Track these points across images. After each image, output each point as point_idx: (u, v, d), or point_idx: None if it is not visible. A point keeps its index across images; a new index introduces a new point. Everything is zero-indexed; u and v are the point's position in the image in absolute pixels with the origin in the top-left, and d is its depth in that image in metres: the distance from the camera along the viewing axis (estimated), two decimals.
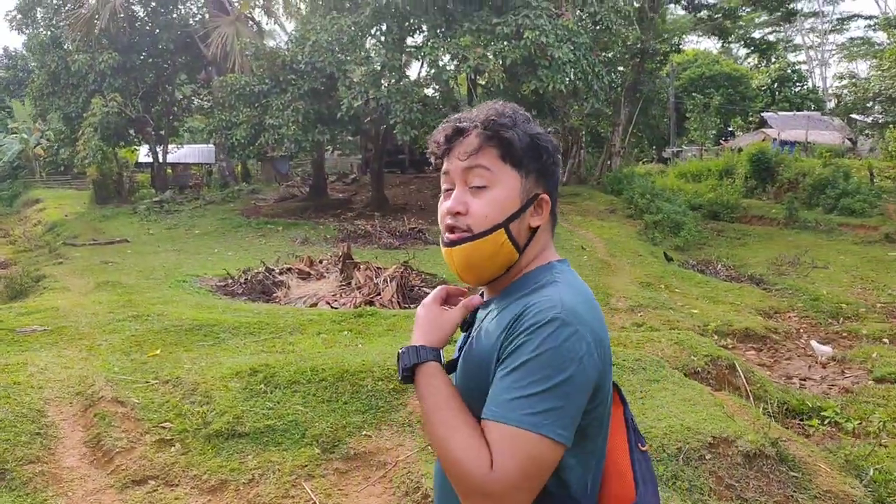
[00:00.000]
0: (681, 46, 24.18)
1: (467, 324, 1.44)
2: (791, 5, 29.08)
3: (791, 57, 49.78)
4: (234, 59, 20.90)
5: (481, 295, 1.44)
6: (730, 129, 42.66)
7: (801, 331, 8.86)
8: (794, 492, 3.81)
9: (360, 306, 8.99)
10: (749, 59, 50.91)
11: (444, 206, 1.38)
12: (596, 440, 1.29)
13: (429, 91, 17.92)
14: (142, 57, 23.41)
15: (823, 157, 27.17)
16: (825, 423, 4.95)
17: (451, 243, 1.35)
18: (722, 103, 34.25)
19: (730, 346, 7.70)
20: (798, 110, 41.71)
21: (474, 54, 15.44)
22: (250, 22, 23.48)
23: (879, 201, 20.45)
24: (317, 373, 4.77)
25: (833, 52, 54.04)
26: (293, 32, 17.96)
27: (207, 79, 24.00)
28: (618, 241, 16.35)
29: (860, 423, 4.91)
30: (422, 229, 15.89)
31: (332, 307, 9.02)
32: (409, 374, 1.30)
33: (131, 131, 24.36)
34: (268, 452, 4.01)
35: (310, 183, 22.72)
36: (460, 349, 1.43)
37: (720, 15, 24.95)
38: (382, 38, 17.08)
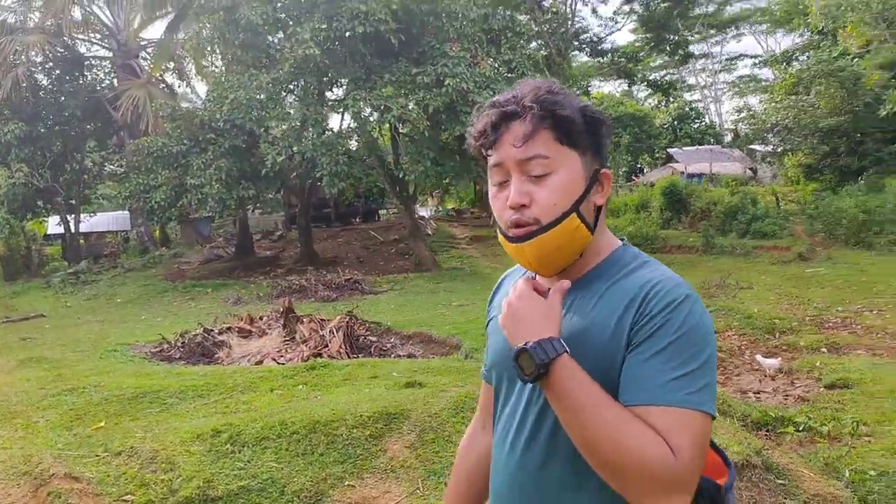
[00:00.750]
0: (588, 89, 25.24)
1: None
2: (688, 49, 30.89)
3: (687, 96, 52.65)
4: (148, 122, 20.43)
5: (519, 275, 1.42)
6: (639, 165, 44.65)
7: (743, 347, 9.14)
8: (785, 498, 3.85)
9: (307, 360, 8.73)
10: (649, 100, 53.61)
11: (500, 199, 1.27)
12: None
13: (352, 143, 17.97)
14: (48, 125, 22.53)
15: (730, 186, 28.73)
16: (800, 429, 5.06)
17: (520, 238, 1.24)
18: (630, 142, 35.76)
19: None
20: (699, 144, 44.09)
21: (397, 104, 15.62)
22: (161, 84, 23.05)
23: (787, 223, 21.63)
24: (286, 427, 4.54)
25: (724, 90, 57.64)
26: (210, 91, 17.70)
27: (120, 143, 23.30)
28: None
29: (832, 426, 5.04)
30: (357, 280, 15.71)
31: (278, 363, 8.70)
32: (544, 371, 1.13)
33: (39, 202, 23.26)
34: None
35: (235, 242, 22.18)
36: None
37: (623, 59, 26.26)
38: (302, 93, 17.03)
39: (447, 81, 15.71)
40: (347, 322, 9.67)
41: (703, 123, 51.42)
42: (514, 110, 1.23)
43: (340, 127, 17.98)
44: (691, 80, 59.20)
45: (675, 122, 48.56)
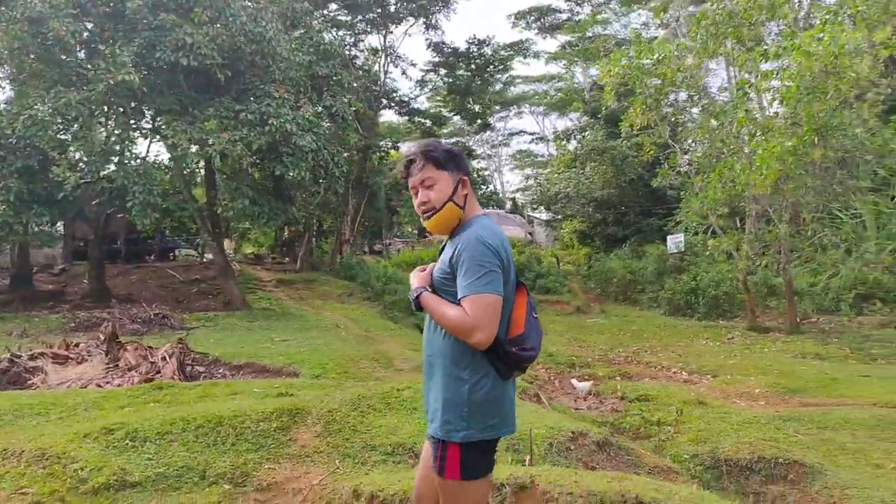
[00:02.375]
0: (398, 146, 26.67)
1: (441, 252, 2.56)
2: (486, 118, 33.74)
3: (474, 163, 56.82)
4: None
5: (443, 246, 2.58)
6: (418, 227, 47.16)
7: (552, 378, 10.35)
8: (636, 468, 4.72)
9: (140, 384, 8.38)
10: None
11: (416, 202, 2.52)
12: (508, 302, 2.39)
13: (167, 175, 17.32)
14: None
15: (516, 246, 31.63)
16: (627, 428, 6.07)
17: (428, 217, 2.49)
18: None
19: None
20: (485, 208, 47.80)
21: (220, 139, 15.47)
22: None
23: (567, 280, 24.29)
24: (188, 422, 4.61)
25: (506, 162, 63.17)
26: (3, 105, 16.14)
27: None
28: (365, 319, 17.13)
29: (646, 425, 6.11)
30: (166, 315, 14.97)
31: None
32: (416, 301, 2.44)
33: None
34: (170, 497, 3.83)
35: (11, 273, 19.88)
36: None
37: (428, 120, 28.08)
38: (115, 118, 16.15)
39: (271, 121, 15.88)
40: (181, 349, 9.41)
41: (489, 189, 55.91)
42: (414, 156, 2.53)
43: (154, 157, 17.20)
44: (478, 150, 64.21)
45: None
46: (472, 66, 25.81)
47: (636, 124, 15.16)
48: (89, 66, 15.73)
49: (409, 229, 51.94)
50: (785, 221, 12.52)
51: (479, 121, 33.06)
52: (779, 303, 16.21)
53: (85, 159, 16.05)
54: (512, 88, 45.41)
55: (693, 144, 15.66)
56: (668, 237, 20.11)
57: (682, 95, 16.07)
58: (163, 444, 4.34)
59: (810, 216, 13.47)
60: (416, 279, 2.52)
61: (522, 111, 53.98)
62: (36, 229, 17.02)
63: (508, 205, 56.39)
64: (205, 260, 25.80)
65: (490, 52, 25.53)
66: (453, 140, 35.51)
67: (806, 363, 10.10)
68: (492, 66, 26.54)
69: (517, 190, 62.57)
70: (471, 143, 53.04)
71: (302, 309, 18.67)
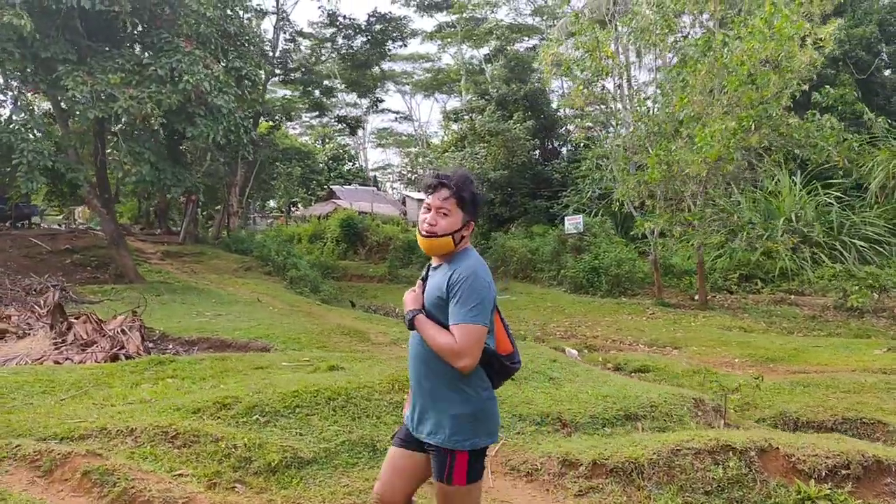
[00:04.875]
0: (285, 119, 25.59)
1: (423, 278, 2.69)
2: (376, 94, 33.22)
3: (340, 140, 55.76)
4: None
5: (430, 264, 2.72)
6: (294, 199, 45.78)
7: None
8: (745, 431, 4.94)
9: (105, 361, 7.55)
10: (303, 138, 55.43)
11: (423, 216, 2.61)
12: (491, 327, 2.55)
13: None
14: None
15: (400, 224, 31.59)
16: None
17: (427, 236, 2.58)
18: (303, 174, 36.64)
19: None
20: (348, 184, 47.20)
21: (125, 95, 14.05)
22: None
23: None
24: (315, 395, 4.24)
25: (370, 139, 62.58)
26: None
27: None
28: (279, 294, 16.39)
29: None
30: (63, 287, 13.45)
31: (72, 364, 7.30)
32: (411, 323, 2.55)
33: None
34: (355, 472, 3.54)
35: None
36: (423, 291, 2.66)
37: (318, 91, 27.13)
38: (2, 66, 14.06)
39: (185, 78, 14.66)
40: (141, 323, 8.55)
41: (355, 166, 55.18)
42: (446, 183, 2.58)
43: (41, 112, 15.27)
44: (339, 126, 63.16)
45: (331, 162, 51.19)
46: (372, 39, 25.21)
47: (576, 104, 15.62)
48: None
49: (271, 204, 50.15)
50: (702, 203, 13.54)
51: (371, 95, 32.44)
52: (678, 281, 17.56)
53: None
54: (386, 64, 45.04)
55: (619, 128, 16.36)
56: (566, 218, 20.98)
57: (611, 84, 16.75)
58: (300, 418, 3.95)
59: (703, 201, 14.56)
60: (410, 300, 2.64)
61: (388, 89, 53.71)
62: None
63: (373, 182, 56.13)
64: (71, 229, 23.37)
65: (387, 26, 25.07)
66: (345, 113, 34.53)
67: (741, 336, 11.03)
68: (390, 41, 26.10)
69: (378, 168, 62.39)
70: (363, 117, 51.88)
71: (202, 283, 17.50)
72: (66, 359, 7.61)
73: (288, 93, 28.79)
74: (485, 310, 2.45)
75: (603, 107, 16.42)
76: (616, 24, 16.93)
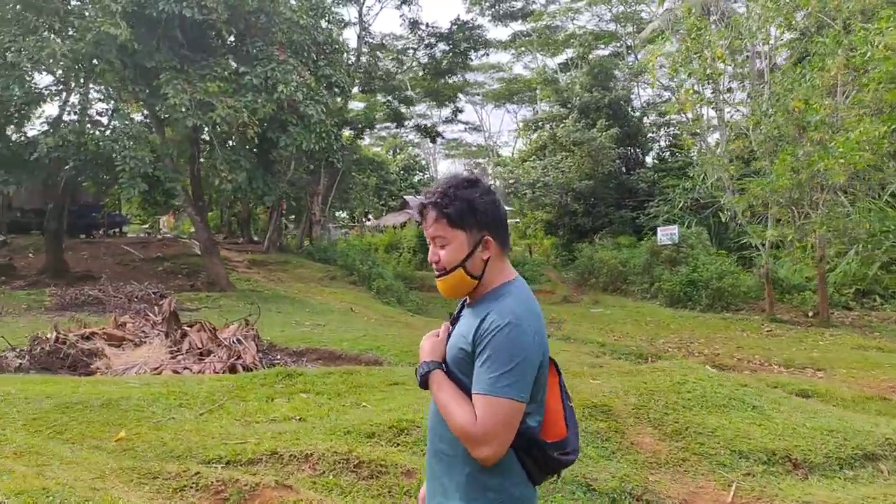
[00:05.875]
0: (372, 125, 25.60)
1: (454, 319, 2.04)
2: (457, 103, 32.96)
3: (410, 150, 55.82)
4: None
5: (463, 303, 2.05)
6: (366, 210, 45.96)
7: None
8: None
9: (224, 372, 7.29)
10: (374, 148, 55.75)
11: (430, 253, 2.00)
12: (539, 396, 1.87)
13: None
14: None
15: None
16: None
17: (438, 276, 1.96)
18: (378, 184, 36.69)
19: None
20: (420, 195, 47.03)
21: (223, 103, 14.05)
22: None
23: (543, 270, 24.04)
24: None
25: (439, 150, 62.40)
26: None
27: None
28: (369, 304, 16.15)
29: None
30: (164, 294, 13.47)
31: (192, 373, 7.07)
32: (424, 380, 1.91)
33: None
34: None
35: None
36: (449, 335, 1.99)
37: (398, 101, 27.02)
38: (103, 74, 14.26)
39: (280, 88, 14.60)
40: (255, 333, 8.31)
41: (425, 177, 55.15)
42: (426, 203, 1.95)
43: (144, 119, 15.47)
44: (410, 137, 63.38)
45: (402, 172, 51.28)
46: (455, 49, 24.92)
47: (686, 108, 14.85)
48: (75, 14, 13.97)
49: (341, 214, 50.43)
50: (825, 212, 12.53)
51: (450, 104, 32.22)
52: (787, 296, 16.47)
53: (66, 118, 14.26)
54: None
55: (718, 133, 15.49)
56: (659, 229, 20.11)
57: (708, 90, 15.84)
58: None
59: (826, 210, 13.55)
60: (427, 349, 1.99)
61: (459, 98, 53.35)
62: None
63: None
64: (160, 236, 23.83)
65: (470, 34, 24.74)
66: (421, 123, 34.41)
67: (886, 357, 10.07)
68: (472, 50, 25.79)
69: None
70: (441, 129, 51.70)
71: (290, 292, 17.41)
72: (185, 368, 7.40)
73: (359, 105, 28.77)
74: (523, 377, 1.76)
75: (704, 111, 15.58)
76: (716, 25, 16.06)
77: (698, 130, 17.30)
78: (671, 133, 27.54)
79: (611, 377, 5.38)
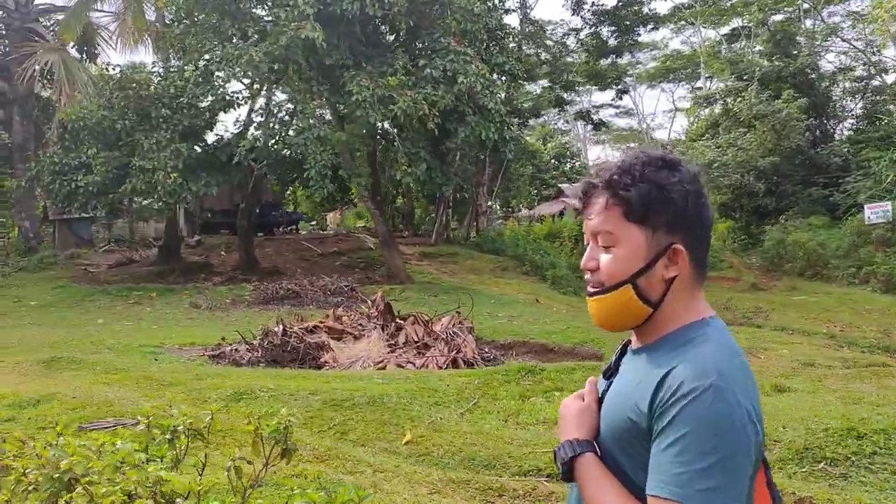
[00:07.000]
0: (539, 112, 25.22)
1: (610, 371, 1.40)
2: (621, 86, 31.89)
3: (561, 138, 54.77)
4: (62, 91, 17.12)
5: (625, 346, 1.41)
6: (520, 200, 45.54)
7: None
8: None
9: (446, 366, 7.10)
10: (527, 136, 55.23)
11: (584, 256, 1.35)
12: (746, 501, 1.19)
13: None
14: None
15: None
16: None
17: (589, 295, 1.33)
18: (533, 173, 36.19)
19: None
20: (573, 182, 45.94)
21: (404, 97, 14.06)
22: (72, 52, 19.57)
23: (722, 255, 22.49)
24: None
25: (589, 136, 60.78)
26: (176, 60, 15.07)
27: (7, 118, 19.37)
28: (549, 295, 15.72)
29: None
30: (354, 287, 13.78)
31: (415, 368, 6.94)
32: (568, 469, 1.29)
33: None
34: None
35: (159, 244, 19.05)
36: (603, 393, 1.37)
37: (559, 86, 26.35)
38: (295, 76, 14.75)
39: (460, 79, 14.40)
40: (471, 325, 8.09)
41: (578, 164, 53.94)
42: (596, 183, 1.30)
43: (331, 117, 15.94)
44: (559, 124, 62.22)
45: (554, 161, 50.43)
46: (620, 25, 23.87)
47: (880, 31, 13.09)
48: (268, 18, 14.55)
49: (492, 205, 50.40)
50: None
51: (613, 86, 31.13)
52: None
53: (256, 120, 14.91)
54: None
55: None
56: (866, 206, 18.09)
57: None
58: (868, 466, 2.89)
59: None
60: (570, 420, 1.35)
61: (622, 81, 51.30)
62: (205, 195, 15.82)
63: None
64: (336, 232, 24.75)
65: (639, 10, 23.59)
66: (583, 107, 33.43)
67: None
68: (641, 24, 24.60)
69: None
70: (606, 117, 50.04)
71: (466, 283, 17.31)
72: (408, 362, 7.29)
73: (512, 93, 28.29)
74: (735, 476, 1.12)
75: None
76: None
77: None
78: (869, 100, 24.82)
79: None
